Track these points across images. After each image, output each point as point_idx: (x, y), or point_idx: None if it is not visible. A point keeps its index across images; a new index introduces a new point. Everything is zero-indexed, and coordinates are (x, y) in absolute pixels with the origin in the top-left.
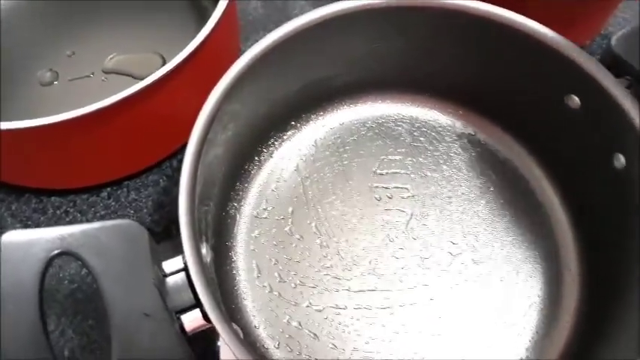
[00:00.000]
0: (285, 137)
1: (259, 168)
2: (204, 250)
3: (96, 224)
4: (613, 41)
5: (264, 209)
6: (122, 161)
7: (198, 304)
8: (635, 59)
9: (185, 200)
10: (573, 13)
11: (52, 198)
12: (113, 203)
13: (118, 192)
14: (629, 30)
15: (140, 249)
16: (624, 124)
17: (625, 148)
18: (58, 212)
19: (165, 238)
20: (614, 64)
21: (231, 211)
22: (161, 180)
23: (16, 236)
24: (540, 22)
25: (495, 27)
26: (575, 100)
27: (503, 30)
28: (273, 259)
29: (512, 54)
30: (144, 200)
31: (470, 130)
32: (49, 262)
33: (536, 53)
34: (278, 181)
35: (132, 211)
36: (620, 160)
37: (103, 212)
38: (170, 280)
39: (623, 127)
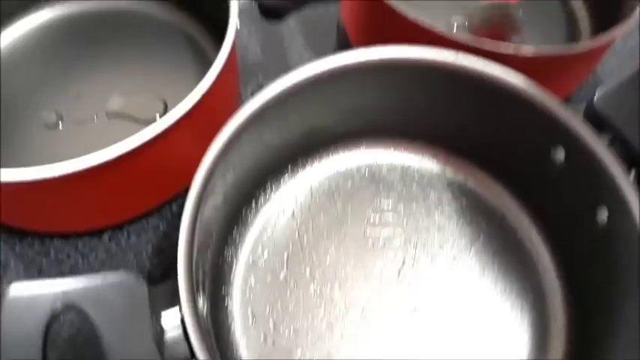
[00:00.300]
0: (282, 182)
1: (256, 213)
2: (200, 302)
3: (98, 278)
4: (595, 99)
5: (260, 255)
6: (123, 207)
7: (194, 358)
8: (617, 117)
9: (183, 257)
10: (558, 65)
11: (55, 240)
12: (114, 246)
13: (119, 235)
14: (611, 88)
15: (139, 304)
16: (605, 179)
17: (607, 203)
18: (60, 256)
19: (163, 281)
20: (596, 120)
21: (228, 258)
22: (161, 224)
23: (21, 290)
24: (526, 75)
25: (484, 82)
26: (560, 153)
27: (494, 85)
28: (269, 307)
29: (500, 108)
30: (144, 244)
31: (460, 178)
32: (54, 317)
33: (521, 107)
34: (274, 227)
35: (132, 255)
36: (604, 214)
37: (104, 256)
38: (168, 334)
39: (604, 182)
